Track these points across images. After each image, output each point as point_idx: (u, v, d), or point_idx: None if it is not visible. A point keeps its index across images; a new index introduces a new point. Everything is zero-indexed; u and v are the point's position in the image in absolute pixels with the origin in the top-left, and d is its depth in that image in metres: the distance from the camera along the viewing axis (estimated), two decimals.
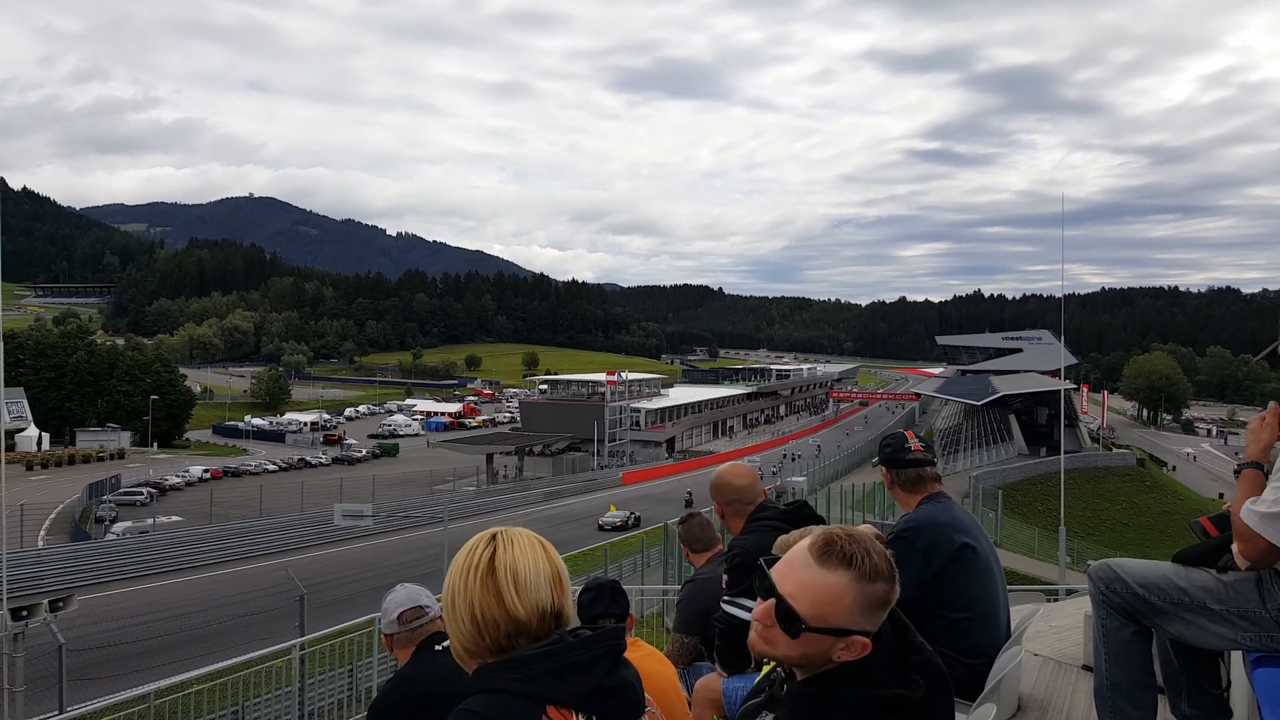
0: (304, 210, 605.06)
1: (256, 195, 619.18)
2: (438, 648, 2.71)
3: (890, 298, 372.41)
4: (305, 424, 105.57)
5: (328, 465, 75.44)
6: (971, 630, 3.16)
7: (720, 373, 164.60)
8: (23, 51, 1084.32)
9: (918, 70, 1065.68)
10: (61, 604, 13.22)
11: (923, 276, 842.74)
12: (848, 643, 1.49)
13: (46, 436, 77.58)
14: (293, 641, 12.28)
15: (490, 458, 68.74)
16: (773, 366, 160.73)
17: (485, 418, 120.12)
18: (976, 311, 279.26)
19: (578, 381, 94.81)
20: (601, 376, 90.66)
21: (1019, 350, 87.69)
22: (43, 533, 45.31)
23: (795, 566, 1.51)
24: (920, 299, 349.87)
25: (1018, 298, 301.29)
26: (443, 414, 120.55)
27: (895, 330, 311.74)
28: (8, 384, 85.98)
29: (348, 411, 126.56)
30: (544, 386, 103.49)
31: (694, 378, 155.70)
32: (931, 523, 3.23)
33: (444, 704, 2.72)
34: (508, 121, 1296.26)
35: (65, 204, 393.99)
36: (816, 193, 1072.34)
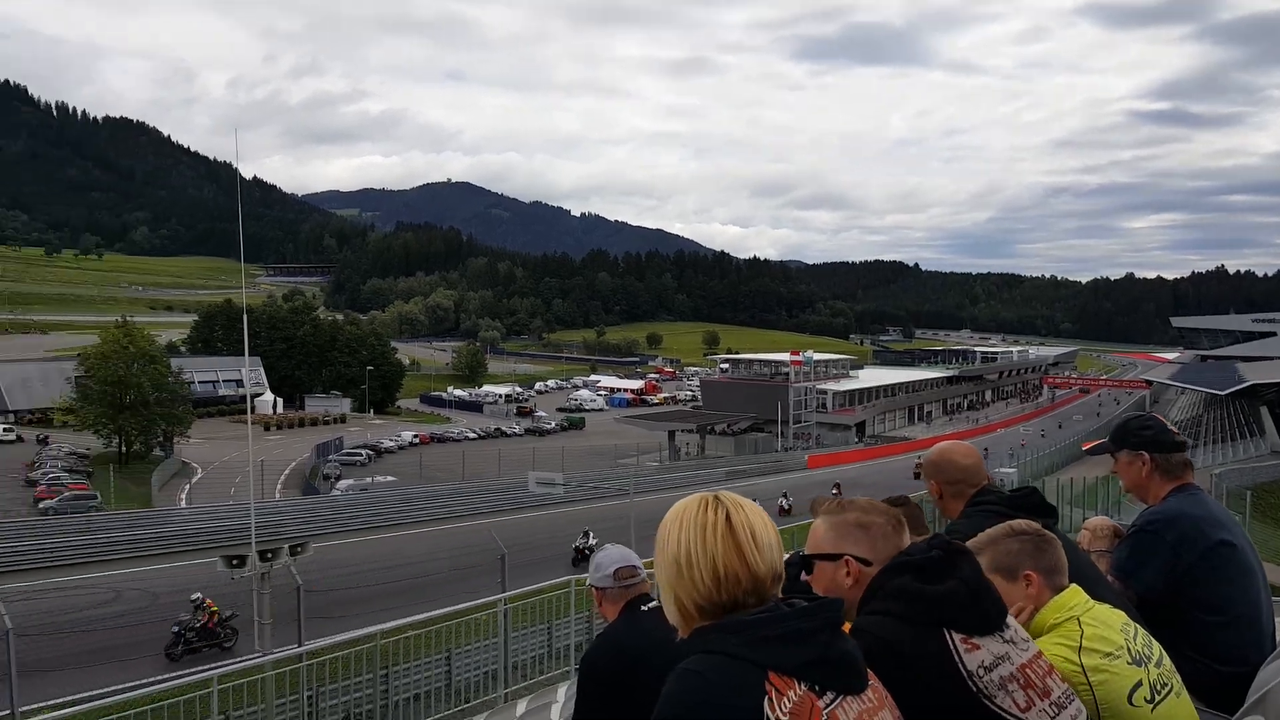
0: (496, 194, 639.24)
1: (454, 180, 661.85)
2: (644, 608, 2.83)
3: (1115, 274, 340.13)
4: (500, 396, 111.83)
5: (521, 435, 79.72)
6: (1228, 636, 2.82)
7: (916, 354, 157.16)
8: (250, 51, 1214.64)
9: (1141, 23, 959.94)
10: (300, 549, 14.88)
11: (1153, 250, 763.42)
12: (844, 564, 1.88)
13: (280, 401, 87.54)
14: (497, 596, 13.10)
15: (672, 435, 69.76)
16: (977, 348, 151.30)
17: (666, 395, 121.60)
18: (1219, 290, 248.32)
19: (760, 361, 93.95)
20: (785, 356, 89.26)
21: (1272, 334, 77.78)
22: (279, 486, 51.26)
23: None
24: (1150, 275, 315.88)
25: (1269, 274, 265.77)
26: (626, 390, 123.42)
27: (1121, 310, 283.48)
28: (249, 353, 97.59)
29: (537, 385, 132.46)
30: (725, 365, 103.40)
31: (886, 359, 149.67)
32: (1183, 515, 2.92)
33: (652, 661, 2.63)
34: (688, 99, 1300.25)
35: (289, 191, 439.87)
36: (1026, 159, 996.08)
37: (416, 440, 70.06)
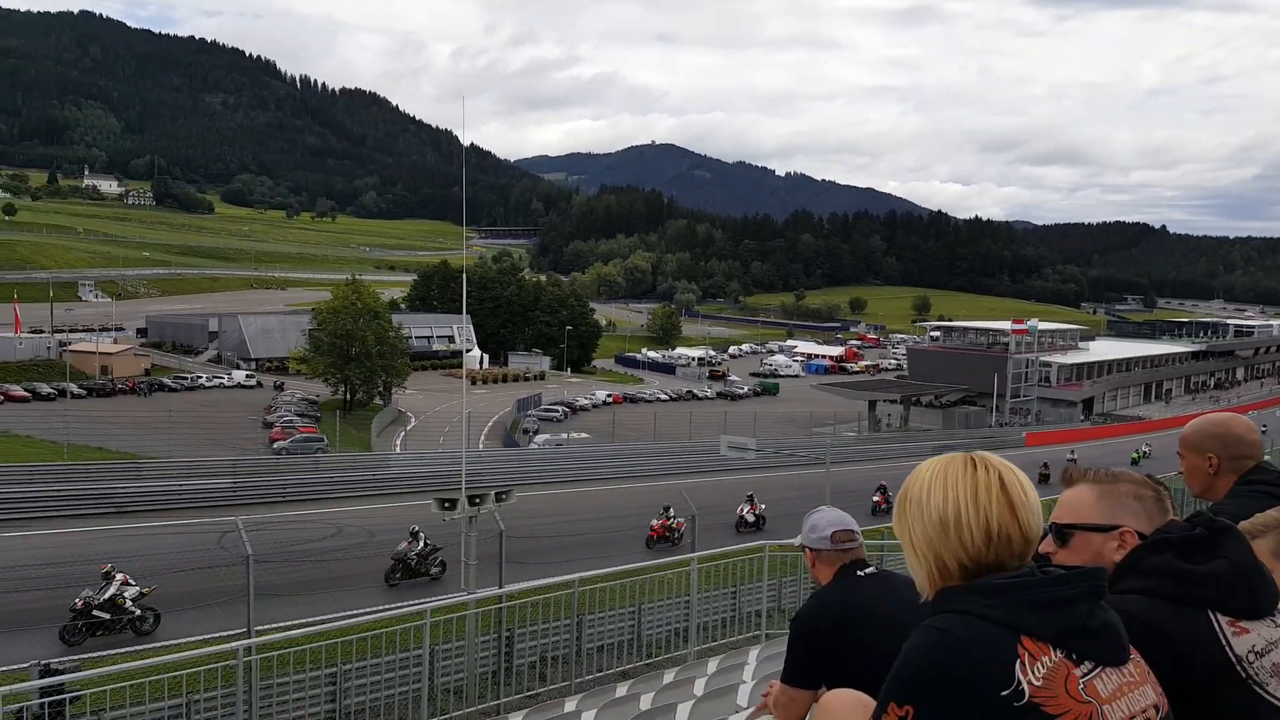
0: (699, 154, 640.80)
1: (658, 142, 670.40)
2: (860, 573, 2.87)
3: None
4: (693, 359, 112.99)
5: (712, 399, 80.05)
6: None
7: (1157, 325, 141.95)
8: (474, 22, 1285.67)
9: None
10: (504, 497, 15.70)
11: None
12: (1117, 537, 1.72)
13: (486, 357, 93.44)
14: (689, 555, 13.14)
15: (873, 404, 67.32)
16: (1230, 321, 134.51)
17: (868, 363, 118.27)
18: None
19: (976, 329, 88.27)
20: (1005, 324, 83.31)
21: None
22: (483, 437, 54.84)
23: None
24: None
25: None
26: (824, 357, 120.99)
27: None
28: (459, 312, 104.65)
29: (731, 349, 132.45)
30: (936, 333, 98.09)
31: (1123, 330, 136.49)
32: None
33: (869, 624, 2.62)
34: (909, 50, 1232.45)
35: (502, 157, 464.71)
36: None
37: (610, 399, 72.28)
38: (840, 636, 2.66)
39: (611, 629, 12.84)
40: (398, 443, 51.23)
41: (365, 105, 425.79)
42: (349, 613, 15.28)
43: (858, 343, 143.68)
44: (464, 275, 20.92)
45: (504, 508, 15.39)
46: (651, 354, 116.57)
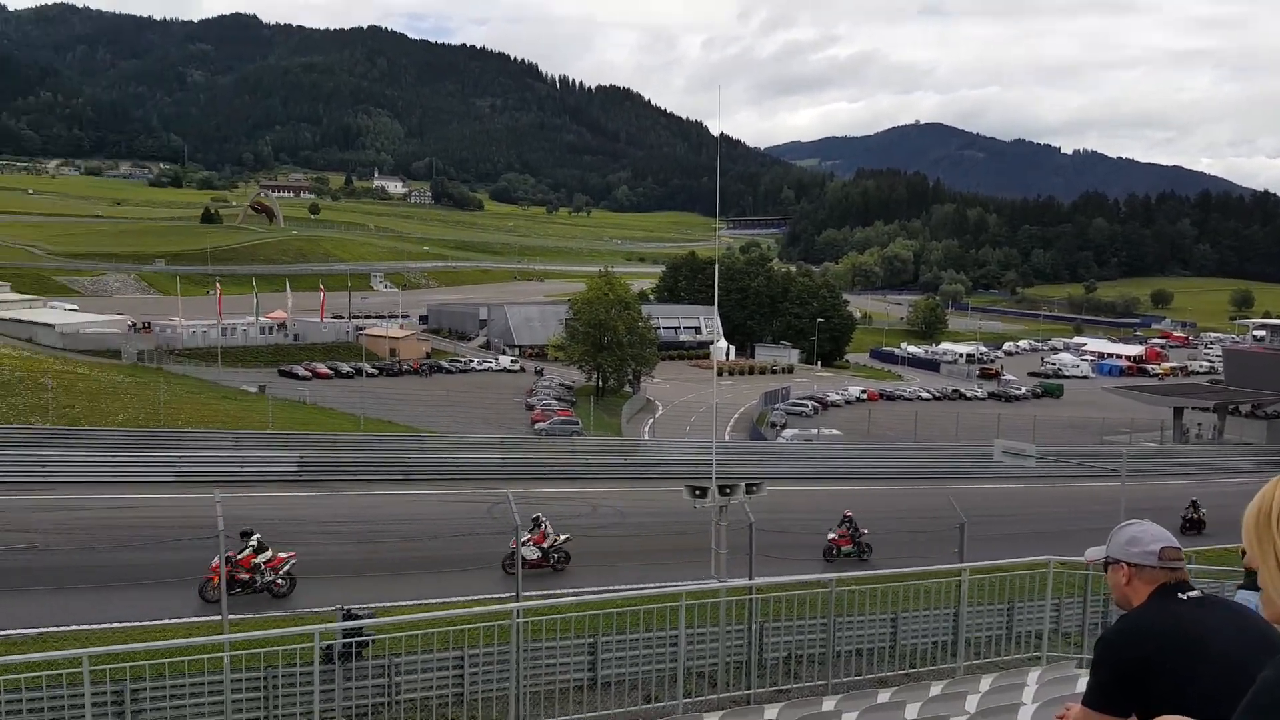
0: (970, 133, 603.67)
1: (922, 122, 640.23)
2: (1182, 596, 2.68)
3: None
4: (960, 355, 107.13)
5: (983, 399, 75.47)
6: None
7: None
8: (726, 12, 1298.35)
9: None
10: (755, 489, 15.86)
11: None
12: None
13: (733, 349, 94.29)
14: (957, 565, 12.50)
15: (1179, 412, 59.91)
16: None
17: (1174, 365, 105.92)
18: None
19: None
20: None
21: None
22: (728, 429, 55.55)
23: None
24: None
25: None
26: (1119, 356, 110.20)
27: None
28: (707, 303, 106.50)
29: (1006, 346, 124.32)
30: (1260, 332, 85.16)
31: None
32: None
33: (1195, 653, 2.51)
34: (1228, 7, 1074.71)
35: (752, 145, 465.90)
36: None
37: (864, 396, 70.28)
38: (1159, 663, 2.48)
39: (866, 634, 12.57)
40: (646, 429, 53.29)
41: (619, 101, 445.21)
42: (605, 588, 16.19)
43: (1161, 341, 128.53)
44: (716, 266, 21.16)
45: (755, 499, 15.55)
46: (912, 349, 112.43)
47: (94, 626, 13.60)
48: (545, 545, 19.96)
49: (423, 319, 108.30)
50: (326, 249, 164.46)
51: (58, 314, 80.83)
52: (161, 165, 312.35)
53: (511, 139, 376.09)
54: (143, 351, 68.65)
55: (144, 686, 9.44)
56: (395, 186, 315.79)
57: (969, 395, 76.63)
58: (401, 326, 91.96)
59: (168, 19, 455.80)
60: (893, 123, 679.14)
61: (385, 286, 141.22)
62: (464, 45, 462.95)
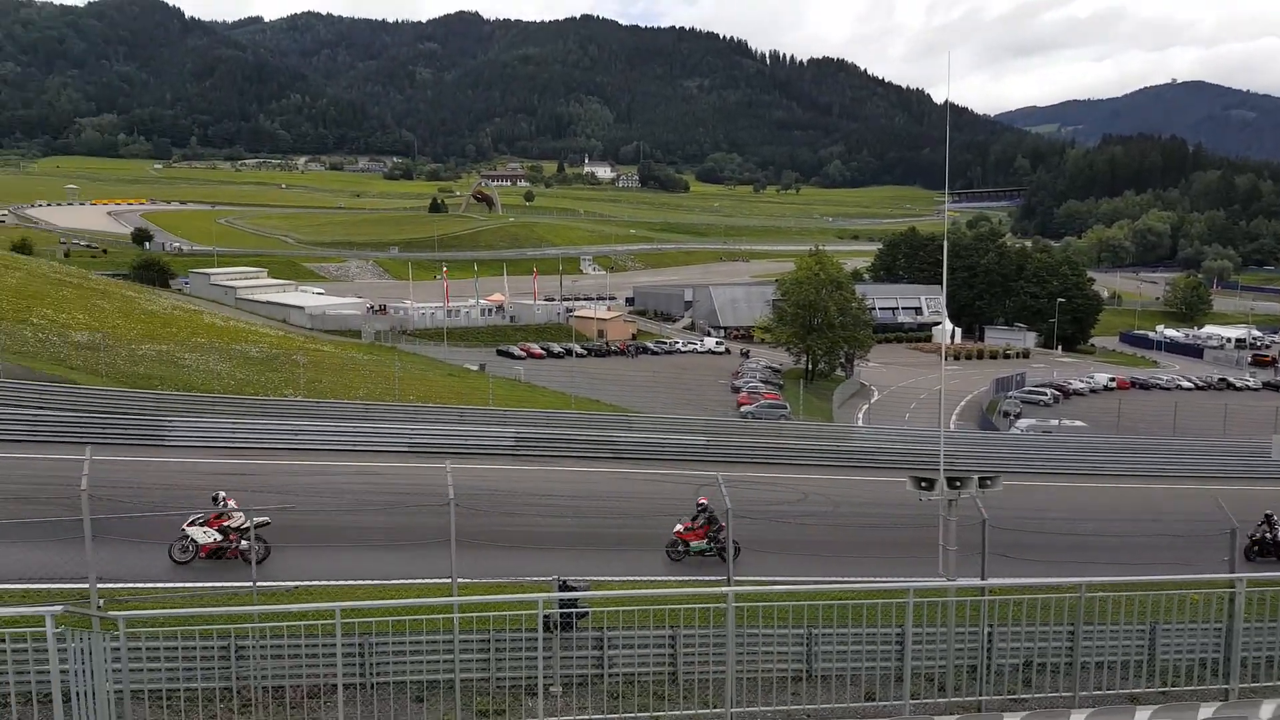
0: (1238, 91, 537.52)
1: (1179, 80, 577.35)
2: None
3: None
4: (1228, 340, 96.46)
5: (1256, 389, 67.75)
6: None
7: None
8: None
9: None
10: (989, 483, 14.89)
11: None
12: None
13: (959, 331, 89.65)
14: (1230, 575, 11.18)
15: None
16: None
17: None
18: None
19: None
20: None
21: None
22: (954, 417, 52.80)
23: None
24: None
25: None
26: None
27: None
28: (927, 282, 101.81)
29: None
30: None
31: None
32: None
33: None
34: None
35: (980, 112, 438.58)
36: None
37: (1113, 384, 64.85)
38: None
39: (1117, 645, 11.52)
40: (860, 415, 51.81)
41: (832, 73, 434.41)
42: (819, 579, 15.86)
43: None
44: (945, 241, 19.96)
45: (989, 494, 14.62)
46: (1170, 332, 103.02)
47: (341, 582, 15.05)
48: (227, 528, 16.26)
49: (629, 301, 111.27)
50: (540, 234, 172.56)
51: (307, 297, 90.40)
52: (394, 159, 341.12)
53: (719, 118, 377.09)
54: (379, 331, 75.47)
55: (387, 640, 10.30)
56: (604, 171, 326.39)
57: (1239, 385, 68.69)
58: (609, 308, 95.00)
59: (399, 20, 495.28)
60: (1144, 83, 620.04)
61: (594, 269, 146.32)
62: (672, 27, 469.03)
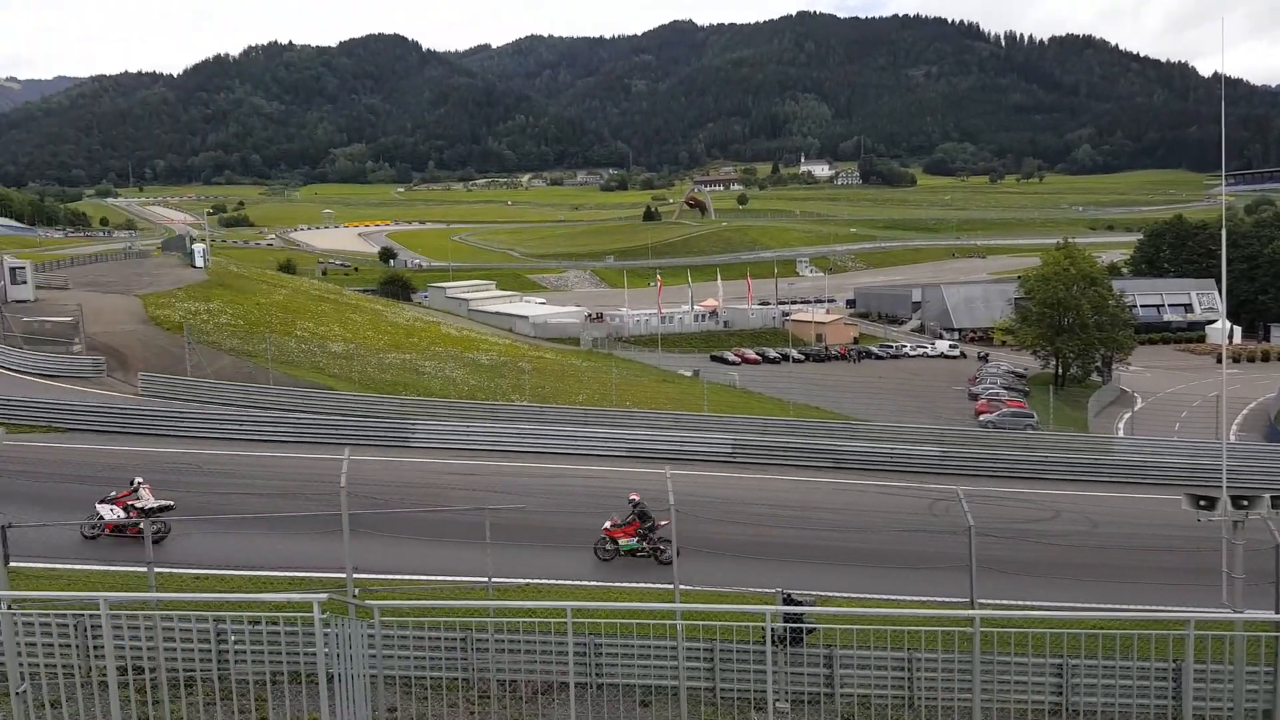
0: None
1: None
2: None
3: None
4: None
5: None
6: None
7: None
8: None
9: None
10: None
11: None
12: None
13: (1238, 330, 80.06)
14: None
15: None
16: None
17: None
18: None
19: None
20: None
21: None
22: (1235, 427, 47.01)
23: None
24: None
25: None
26: None
27: None
28: (1198, 275, 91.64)
29: None
30: None
31: None
32: None
33: None
34: None
35: (1258, 83, 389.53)
36: None
37: None
38: None
39: None
40: (1121, 425, 47.43)
41: (1077, 51, 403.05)
42: (1077, 605, 14.57)
43: None
44: (1222, 231, 17.62)
45: None
46: None
47: (568, 582, 15.61)
48: (131, 506, 17.32)
49: (850, 303, 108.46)
50: (753, 237, 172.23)
51: (530, 307, 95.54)
52: (610, 171, 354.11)
53: (947, 106, 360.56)
54: (596, 338, 78.34)
55: (615, 643, 10.52)
56: (821, 170, 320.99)
57: None
58: (828, 311, 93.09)
59: (615, 36, 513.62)
60: None
61: (811, 271, 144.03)
62: (894, 16, 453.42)
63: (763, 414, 40.38)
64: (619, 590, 15.17)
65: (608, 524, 18.16)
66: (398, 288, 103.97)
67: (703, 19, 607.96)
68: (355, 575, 12.40)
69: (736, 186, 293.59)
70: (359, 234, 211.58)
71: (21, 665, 8.63)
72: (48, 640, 9.07)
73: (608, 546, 18.02)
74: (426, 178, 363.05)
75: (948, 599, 15.79)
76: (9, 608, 8.76)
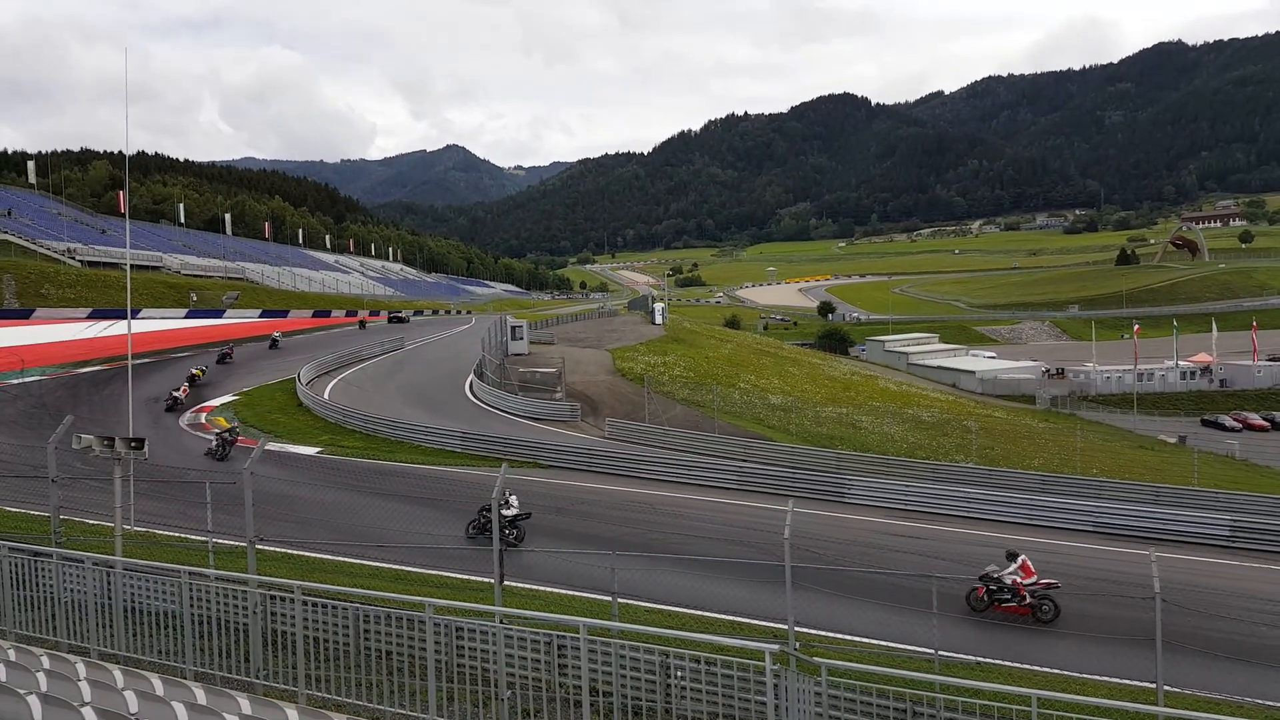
0: None
1: None
2: None
3: None
4: None
5: None
6: None
7: None
8: None
9: None
10: None
11: None
12: None
13: None
14: None
15: None
16: None
17: None
18: None
19: None
20: None
21: None
22: None
23: None
24: None
25: None
26: None
27: None
28: None
29: None
30: None
31: None
32: None
33: None
34: None
35: None
36: None
37: None
38: None
39: None
40: None
41: None
42: None
43: None
44: None
45: None
46: None
47: (1022, 665, 14.16)
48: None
49: None
50: (1261, 280, 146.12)
51: (978, 361, 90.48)
52: (1076, 212, 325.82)
53: None
54: (1056, 397, 71.64)
55: None
56: None
57: None
58: None
59: (1087, 66, 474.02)
60: None
61: None
62: None
63: (1272, 491, 33.54)
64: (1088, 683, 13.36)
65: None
66: (835, 341, 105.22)
67: (1194, 37, 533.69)
68: (798, 629, 12.45)
69: (1238, 222, 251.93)
70: (799, 289, 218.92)
71: (511, 675, 9.98)
72: (523, 654, 10.33)
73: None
74: (869, 230, 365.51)
75: None
76: (501, 622, 10.20)
